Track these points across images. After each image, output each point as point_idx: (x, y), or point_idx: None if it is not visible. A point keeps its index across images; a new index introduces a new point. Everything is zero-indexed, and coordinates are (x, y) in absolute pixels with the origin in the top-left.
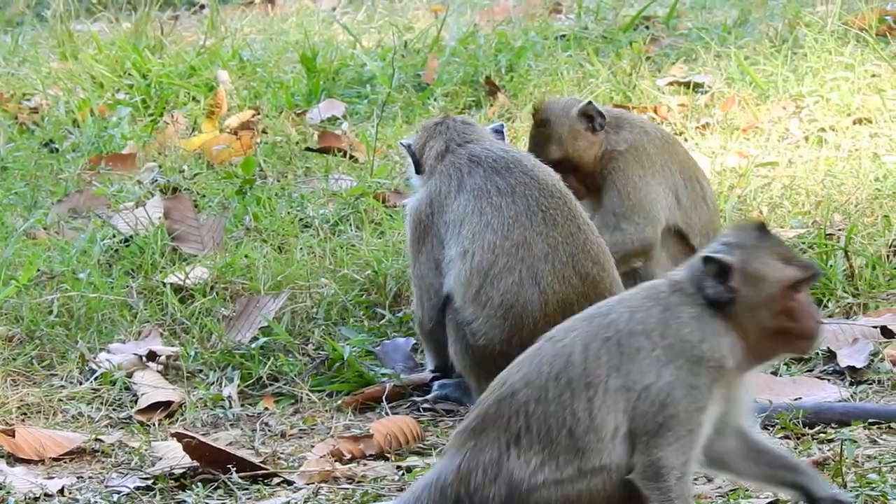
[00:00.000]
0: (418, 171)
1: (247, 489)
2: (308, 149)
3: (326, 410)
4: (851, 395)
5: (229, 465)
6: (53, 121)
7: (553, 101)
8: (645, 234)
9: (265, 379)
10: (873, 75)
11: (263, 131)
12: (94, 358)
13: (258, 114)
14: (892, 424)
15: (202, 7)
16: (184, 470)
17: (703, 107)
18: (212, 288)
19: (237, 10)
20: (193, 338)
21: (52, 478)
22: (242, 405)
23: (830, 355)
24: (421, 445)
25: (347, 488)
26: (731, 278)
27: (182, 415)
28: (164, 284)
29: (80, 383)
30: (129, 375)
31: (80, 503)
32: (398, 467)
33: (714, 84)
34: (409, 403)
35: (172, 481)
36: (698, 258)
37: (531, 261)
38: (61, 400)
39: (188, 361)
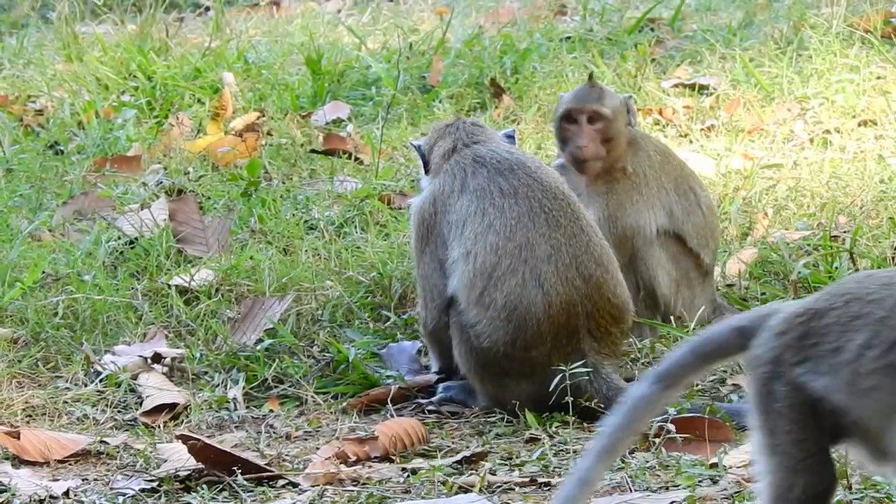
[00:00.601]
0: (427, 171)
1: (252, 491)
2: (313, 151)
3: (331, 412)
4: None
5: (234, 467)
6: (58, 123)
7: None
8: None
9: (270, 381)
10: (878, 77)
11: (268, 133)
12: (99, 360)
13: (263, 116)
14: None
15: (207, 9)
16: (189, 472)
17: (708, 109)
18: (217, 290)
19: (242, 12)
20: (198, 340)
21: (57, 480)
22: (247, 407)
23: None
24: (426, 447)
25: (352, 490)
26: None
27: (187, 417)
28: (170, 286)
29: (85, 385)
30: (134, 377)
31: None
32: (403, 469)
33: (719, 86)
34: (414, 405)
35: (177, 483)
36: None
37: (534, 262)
38: (66, 402)
39: (193, 363)
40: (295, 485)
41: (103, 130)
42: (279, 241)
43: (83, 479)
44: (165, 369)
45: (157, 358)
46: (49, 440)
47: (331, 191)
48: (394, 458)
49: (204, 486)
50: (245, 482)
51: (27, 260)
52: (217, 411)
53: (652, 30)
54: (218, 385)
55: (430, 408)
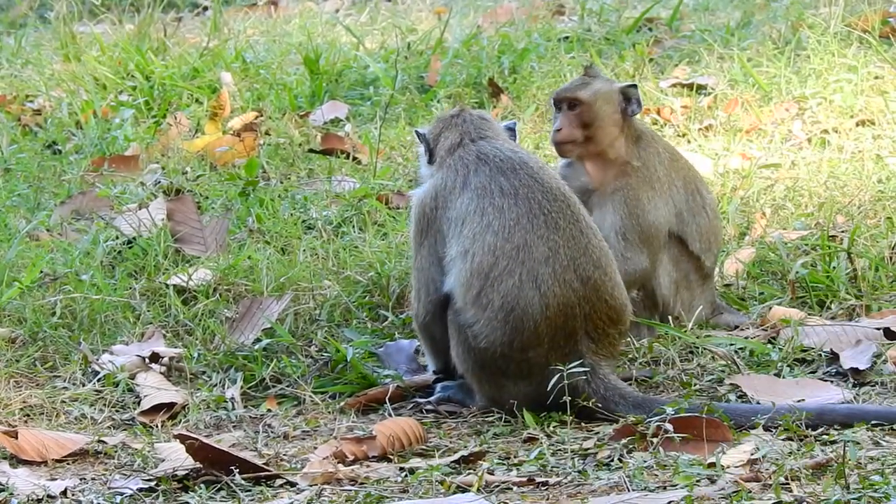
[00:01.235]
0: (431, 160)
1: (250, 491)
2: (311, 150)
3: (329, 412)
4: (854, 397)
5: (232, 467)
6: (56, 122)
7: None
8: (643, 265)
9: (268, 380)
10: (876, 77)
11: (266, 133)
12: (97, 359)
13: (261, 115)
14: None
15: (205, 9)
16: (187, 471)
17: (706, 109)
18: (215, 290)
19: (240, 12)
20: (196, 339)
21: (55, 479)
22: (245, 407)
23: (833, 357)
24: (424, 447)
25: (350, 490)
26: None
27: (185, 416)
28: (167, 286)
29: (83, 385)
30: (132, 377)
31: None
32: (401, 469)
33: (717, 86)
34: (412, 405)
35: (175, 483)
36: None
37: (532, 264)
38: (64, 401)
39: (191, 363)
40: (293, 484)
41: (101, 130)
42: (277, 241)
43: (81, 479)
44: (163, 369)
45: (155, 357)
46: (47, 440)
47: (329, 190)
48: (392, 457)
49: (202, 485)
50: (243, 482)
51: (25, 259)
52: (215, 411)
53: (650, 29)
54: (216, 385)
55: (428, 407)
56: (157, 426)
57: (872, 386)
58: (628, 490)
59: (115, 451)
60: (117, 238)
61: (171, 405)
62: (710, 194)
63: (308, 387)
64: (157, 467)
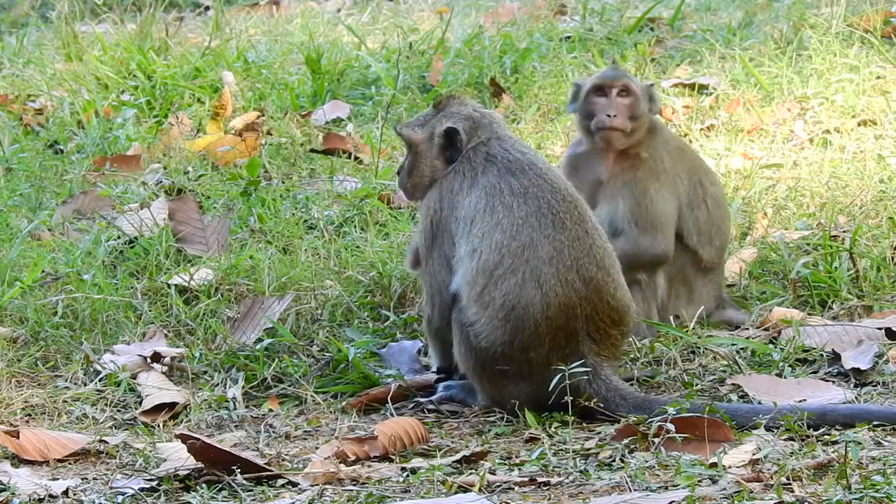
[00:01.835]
0: (454, 158)
1: (251, 490)
2: (313, 150)
3: (331, 412)
4: (856, 397)
5: (234, 467)
6: (58, 122)
7: None
8: (659, 249)
9: (270, 380)
10: (878, 77)
11: (268, 133)
12: (99, 359)
13: (263, 115)
14: None
15: (207, 8)
16: (188, 471)
17: (707, 108)
18: (216, 289)
19: (242, 12)
20: (198, 339)
21: (57, 479)
22: (247, 406)
23: (835, 357)
24: (426, 447)
25: (352, 490)
26: None
27: (186, 416)
28: (169, 286)
29: (85, 384)
30: (134, 377)
31: None
32: (402, 469)
33: (719, 86)
34: (413, 405)
35: (177, 483)
36: None
37: (535, 263)
38: (66, 401)
39: (193, 363)
40: (294, 484)
41: (103, 130)
42: (279, 241)
43: (82, 479)
44: (165, 369)
45: (157, 357)
46: (48, 439)
47: (330, 190)
48: (393, 457)
49: (203, 485)
50: (244, 481)
51: (27, 259)
52: (216, 411)
53: (652, 29)
54: (217, 384)
55: (430, 407)
56: (158, 426)
57: (874, 386)
58: (630, 490)
59: (117, 451)
60: (119, 238)
61: (172, 405)
62: (716, 186)
63: (310, 387)
64: (159, 467)
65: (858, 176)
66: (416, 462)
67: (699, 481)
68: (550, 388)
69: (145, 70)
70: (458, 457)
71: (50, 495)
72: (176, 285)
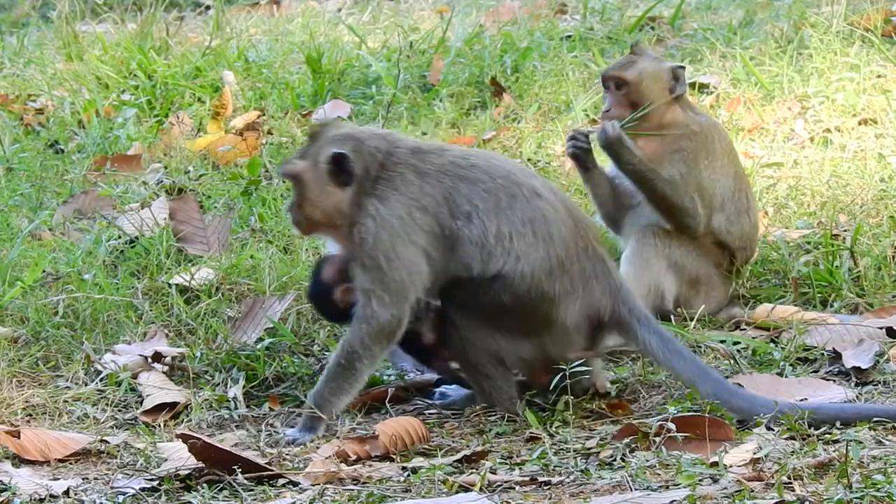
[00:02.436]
0: (348, 182)
1: (252, 490)
2: None
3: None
4: (857, 396)
5: (235, 467)
6: (59, 122)
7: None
8: (699, 218)
9: (270, 380)
10: (879, 76)
11: (269, 132)
12: (100, 359)
13: (263, 115)
14: None
15: (207, 8)
16: (189, 471)
17: (708, 107)
18: (217, 289)
19: (242, 11)
20: (199, 339)
21: (58, 479)
22: (248, 406)
23: (836, 356)
24: (426, 446)
25: (353, 489)
26: None
27: (187, 416)
28: (170, 285)
29: (86, 384)
30: (135, 376)
31: None
32: (403, 468)
33: (719, 85)
34: (414, 404)
35: (178, 482)
36: None
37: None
38: (66, 401)
39: (194, 362)
40: (295, 484)
41: (103, 129)
42: (280, 240)
43: (83, 479)
44: (166, 368)
45: (158, 357)
46: (49, 439)
47: None
48: (394, 456)
49: (204, 485)
50: (245, 481)
51: (28, 259)
52: (217, 410)
53: (652, 28)
54: (218, 384)
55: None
56: (159, 426)
57: (875, 385)
58: (631, 489)
59: (118, 451)
60: (120, 237)
61: (173, 405)
62: (755, 202)
63: (310, 386)
64: (160, 467)
65: (859, 175)
66: (417, 461)
67: (700, 480)
68: (551, 387)
69: (146, 70)
70: (458, 456)
71: (51, 495)
72: (177, 285)
